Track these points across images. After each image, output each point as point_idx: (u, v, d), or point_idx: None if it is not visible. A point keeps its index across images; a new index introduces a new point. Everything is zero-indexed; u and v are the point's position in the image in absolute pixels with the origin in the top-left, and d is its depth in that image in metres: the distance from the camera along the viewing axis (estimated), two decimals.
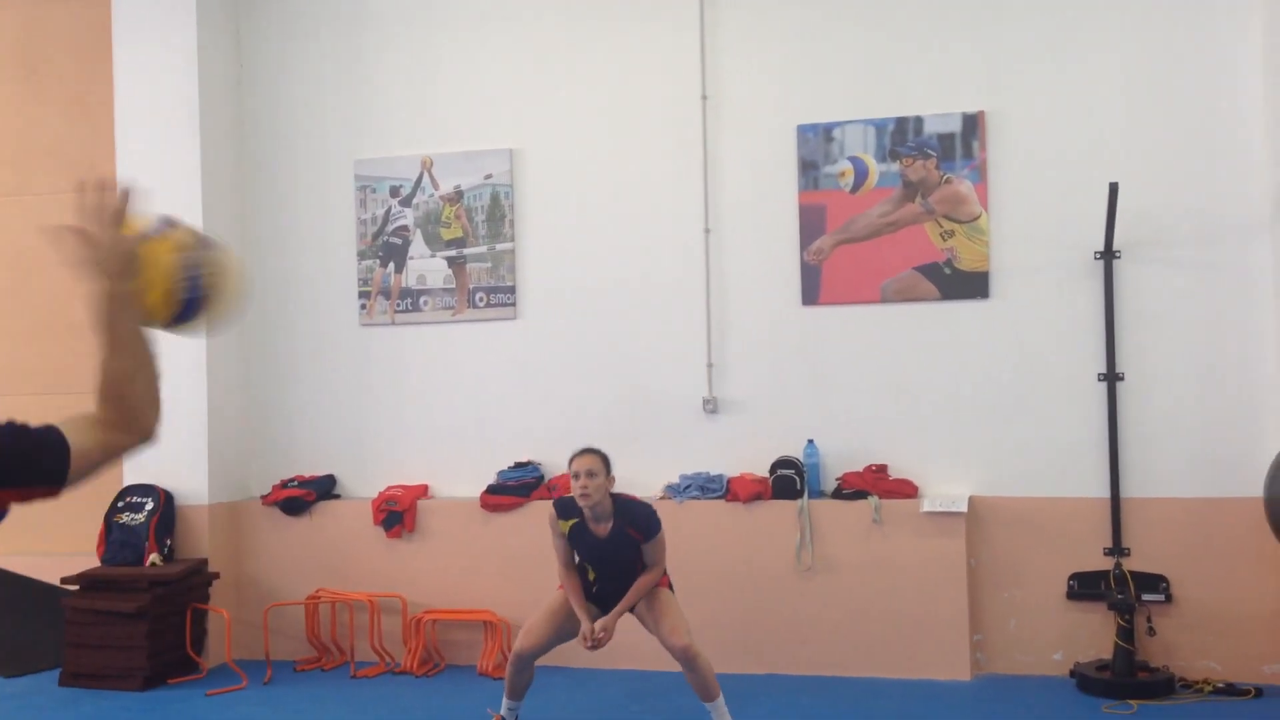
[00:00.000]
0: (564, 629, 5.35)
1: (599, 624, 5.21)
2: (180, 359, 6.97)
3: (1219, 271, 6.17)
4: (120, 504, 6.94)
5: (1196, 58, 6.21)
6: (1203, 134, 6.19)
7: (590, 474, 5.18)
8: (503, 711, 5.43)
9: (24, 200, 7.79)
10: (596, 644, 5.20)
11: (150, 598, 6.49)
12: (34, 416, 7.44)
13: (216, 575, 6.93)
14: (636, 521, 5.26)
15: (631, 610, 5.33)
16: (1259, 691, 5.81)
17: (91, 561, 6.90)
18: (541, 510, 6.68)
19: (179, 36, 7.06)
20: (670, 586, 5.41)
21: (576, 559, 5.40)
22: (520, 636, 5.32)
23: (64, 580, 6.71)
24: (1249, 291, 6.12)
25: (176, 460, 7.00)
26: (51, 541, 7.42)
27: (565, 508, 5.35)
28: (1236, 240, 6.14)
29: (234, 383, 7.29)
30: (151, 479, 7.02)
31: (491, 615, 6.70)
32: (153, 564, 6.72)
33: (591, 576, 5.38)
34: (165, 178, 7.05)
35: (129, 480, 7.05)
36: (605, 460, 5.27)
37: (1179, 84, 6.23)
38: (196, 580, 6.82)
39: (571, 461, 5.27)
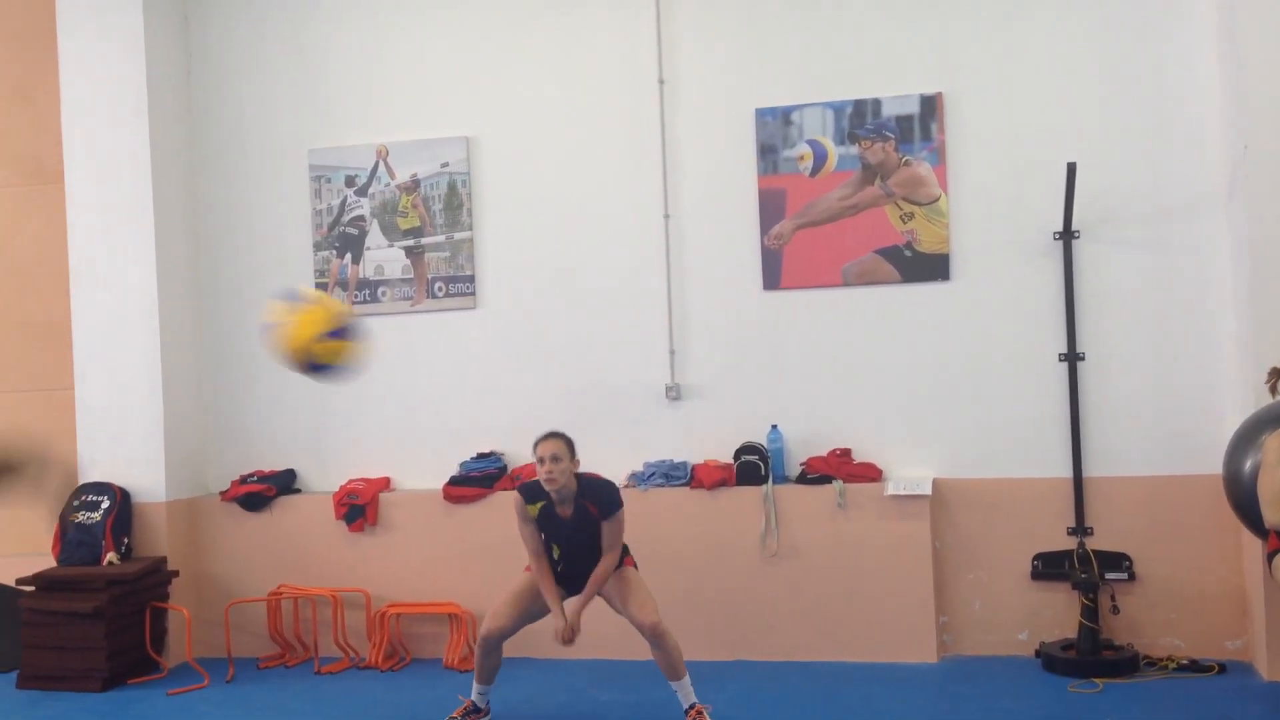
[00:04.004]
0: (530, 610, 5.39)
1: (568, 617, 5.23)
2: (135, 356, 6.92)
3: (1177, 250, 6.20)
4: (76, 503, 6.82)
5: (1151, 35, 6.22)
6: (1159, 112, 6.21)
7: (555, 458, 5.22)
8: (473, 696, 5.45)
9: None
10: (568, 641, 5.22)
11: (108, 597, 6.39)
12: None
13: (176, 573, 6.84)
14: (595, 497, 5.33)
15: (599, 593, 5.35)
16: (1222, 668, 5.86)
17: (47, 561, 6.79)
18: (505, 501, 6.64)
19: (125, 24, 6.92)
20: (635, 565, 5.45)
21: (543, 537, 5.40)
22: (487, 619, 5.33)
23: (19, 581, 6.60)
24: (1207, 269, 6.15)
25: (132, 457, 6.91)
26: (4, 542, 7.31)
27: (531, 492, 5.37)
28: (1193, 218, 6.17)
29: (190, 378, 7.18)
30: (107, 477, 6.91)
31: (456, 607, 6.65)
32: (110, 563, 6.62)
33: (557, 555, 5.39)
34: (114, 170, 6.95)
35: (84, 479, 6.94)
36: (570, 444, 5.32)
37: (1134, 62, 6.24)
38: (155, 578, 6.73)
39: (536, 446, 5.30)
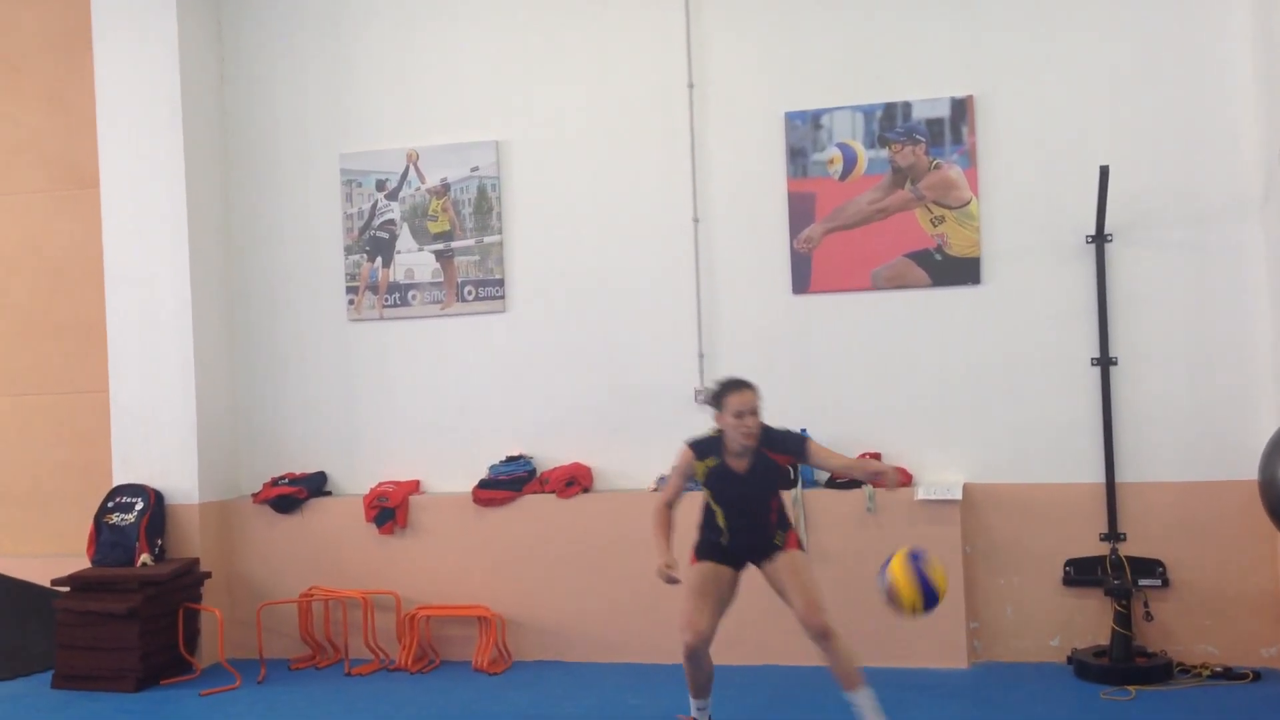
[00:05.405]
0: (721, 598, 5.01)
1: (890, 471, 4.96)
2: (169, 358, 6.98)
3: (1211, 253, 6.14)
4: (110, 504, 6.89)
5: (1184, 37, 6.17)
6: (1192, 114, 6.16)
7: (754, 411, 4.85)
8: (693, 713, 5.15)
9: (2, 200, 7.73)
10: (671, 577, 4.83)
11: (142, 598, 6.45)
12: (14, 419, 7.51)
13: (208, 574, 6.89)
14: (779, 444, 4.95)
15: (760, 565, 5.03)
16: (1257, 675, 5.80)
17: (81, 563, 6.85)
18: (533, 504, 6.69)
19: (160, 30, 6.99)
20: (801, 547, 5.13)
21: (712, 506, 5.05)
22: (682, 630, 4.92)
23: (54, 582, 6.67)
24: (1241, 272, 6.09)
25: (166, 459, 6.97)
26: (39, 543, 7.40)
27: (703, 448, 5.01)
28: (1228, 221, 6.11)
29: (223, 381, 7.23)
30: (141, 479, 6.97)
31: (485, 610, 6.67)
32: (144, 564, 6.68)
33: (722, 523, 5.00)
34: (148, 174, 7.02)
35: (118, 480, 7.01)
36: (759, 392, 4.95)
37: (1167, 64, 6.19)
38: (188, 580, 6.78)
39: (729, 398, 4.89)
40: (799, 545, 5.11)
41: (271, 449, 7.32)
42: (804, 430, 6.48)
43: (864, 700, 4.81)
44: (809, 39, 6.63)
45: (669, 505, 5.07)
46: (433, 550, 6.87)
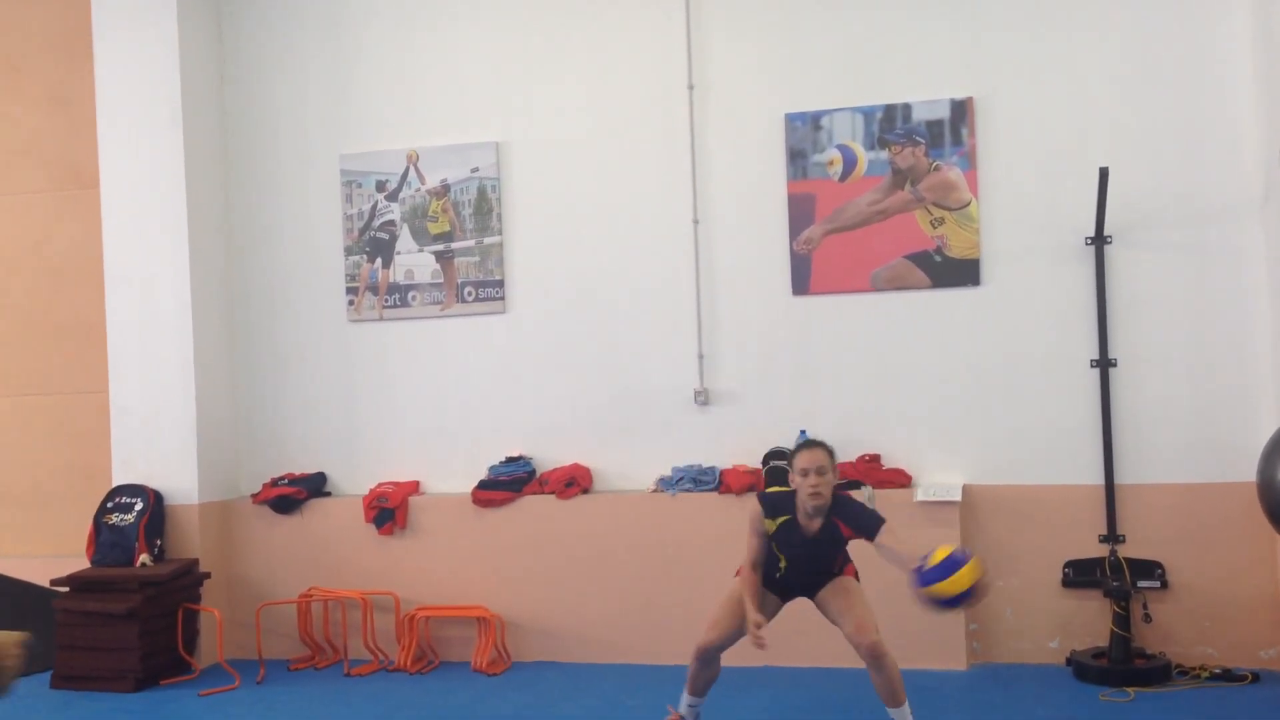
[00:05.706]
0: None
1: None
2: (169, 359, 6.99)
3: (1211, 254, 6.14)
4: (109, 504, 6.89)
5: (1185, 38, 6.17)
6: (1192, 116, 6.16)
7: (820, 471, 4.81)
8: (682, 710, 5.16)
9: (2, 200, 7.73)
10: (761, 641, 4.77)
11: (141, 598, 6.45)
12: (14, 419, 7.52)
13: (208, 575, 6.90)
14: (854, 520, 4.92)
15: (812, 598, 5.07)
16: (1256, 677, 5.80)
17: (81, 563, 6.86)
18: (532, 505, 6.69)
19: (160, 31, 6.99)
20: (856, 575, 5.12)
21: (774, 550, 5.03)
22: (704, 630, 4.96)
23: (54, 582, 6.67)
24: (1241, 274, 6.09)
25: (166, 460, 6.97)
26: (38, 544, 7.40)
27: (773, 505, 4.98)
28: (1228, 222, 6.11)
29: (222, 381, 7.24)
30: (141, 479, 6.97)
31: (485, 611, 6.67)
32: (143, 564, 6.68)
33: (783, 565, 5.02)
34: (149, 175, 7.03)
35: (118, 480, 7.01)
36: (831, 454, 4.91)
37: (1168, 66, 6.19)
38: (187, 580, 6.79)
39: (796, 457, 4.90)
40: (855, 575, 5.09)
41: (271, 449, 7.32)
42: (803, 431, 6.50)
43: (903, 715, 4.83)
44: (809, 40, 6.63)
45: (755, 567, 4.99)
46: (432, 551, 6.87)
